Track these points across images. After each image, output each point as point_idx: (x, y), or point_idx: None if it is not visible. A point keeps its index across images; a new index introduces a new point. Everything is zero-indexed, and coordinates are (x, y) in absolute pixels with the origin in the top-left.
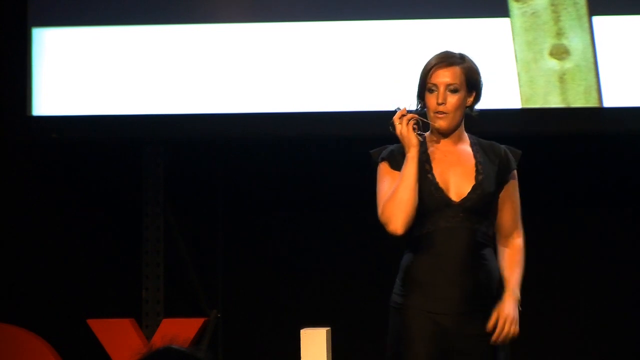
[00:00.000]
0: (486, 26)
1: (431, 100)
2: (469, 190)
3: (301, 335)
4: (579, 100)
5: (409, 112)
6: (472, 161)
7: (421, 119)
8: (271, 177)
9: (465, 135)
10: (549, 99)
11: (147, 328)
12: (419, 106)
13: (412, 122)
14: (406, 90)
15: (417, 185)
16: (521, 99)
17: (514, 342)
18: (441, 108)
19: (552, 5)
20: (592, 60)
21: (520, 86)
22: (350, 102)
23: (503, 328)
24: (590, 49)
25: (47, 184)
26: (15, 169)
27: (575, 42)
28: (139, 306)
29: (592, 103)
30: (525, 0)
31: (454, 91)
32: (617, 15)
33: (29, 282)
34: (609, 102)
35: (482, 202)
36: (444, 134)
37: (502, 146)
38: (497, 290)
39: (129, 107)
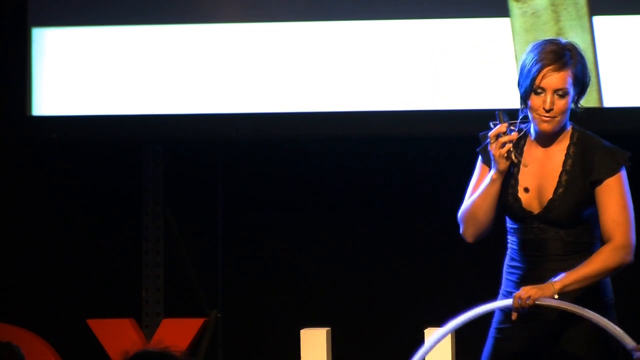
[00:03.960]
0: (486, 26)
1: (537, 102)
2: (545, 204)
3: (301, 335)
4: None
5: (509, 130)
6: (559, 170)
7: (515, 154)
8: (271, 177)
9: (568, 133)
10: None
11: (147, 328)
12: (523, 109)
13: (507, 147)
14: (407, 91)
15: (495, 203)
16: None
17: None
18: (548, 113)
19: (553, 5)
20: (592, 60)
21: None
22: (350, 102)
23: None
24: (590, 49)
25: (47, 184)
26: (15, 169)
27: (575, 42)
28: (139, 306)
29: (592, 103)
30: (525, 0)
31: (563, 95)
32: (617, 15)
33: (29, 282)
34: (609, 102)
35: (563, 214)
36: (544, 135)
37: (603, 149)
38: (589, 298)
39: (128, 107)
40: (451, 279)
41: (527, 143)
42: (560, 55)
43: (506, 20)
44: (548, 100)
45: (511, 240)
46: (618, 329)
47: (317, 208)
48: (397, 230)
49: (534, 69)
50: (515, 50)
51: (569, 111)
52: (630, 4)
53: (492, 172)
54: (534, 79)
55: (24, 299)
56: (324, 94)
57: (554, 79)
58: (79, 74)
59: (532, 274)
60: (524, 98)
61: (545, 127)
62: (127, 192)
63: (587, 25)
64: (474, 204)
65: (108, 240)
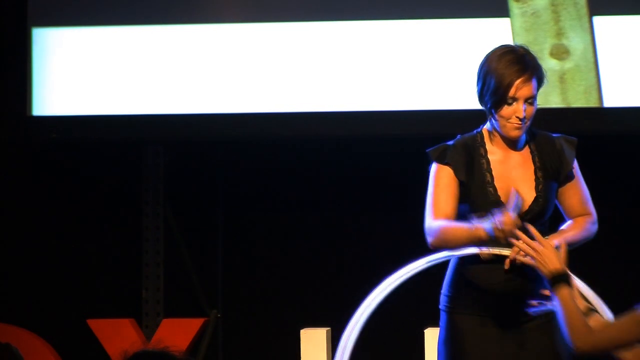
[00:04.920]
0: (486, 26)
1: (507, 111)
2: (530, 202)
3: (301, 335)
4: (579, 100)
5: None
6: (531, 167)
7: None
8: (271, 177)
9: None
10: (549, 99)
11: (147, 328)
12: (491, 115)
13: (509, 230)
14: (407, 91)
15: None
16: None
17: None
18: (521, 121)
19: (552, 5)
20: (592, 60)
21: None
22: (350, 102)
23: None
24: (590, 49)
25: (47, 184)
26: (15, 169)
27: (575, 42)
28: (139, 306)
29: (592, 103)
30: (525, 0)
31: (532, 102)
32: (617, 15)
33: (29, 282)
34: (609, 102)
35: (543, 211)
36: (507, 139)
37: (558, 139)
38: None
39: (129, 107)
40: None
41: (487, 150)
42: (525, 65)
43: (506, 20)
44: (521, 109)
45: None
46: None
47: (317, 208)
48: (398, 230)
49: (506, 82)
50: None
51: None
52: (630, 4)
53: (483, 233)
54: (506, 91)
55: (24, 299)
56: (324, 94)
57: (526, 89)
58: (79, 74)
59: (489, 283)
60: (494, 108)
61: (517, 133)
62: (127, 193)
63: (587, 25)
64: (450, 239)
65: (108, 240)
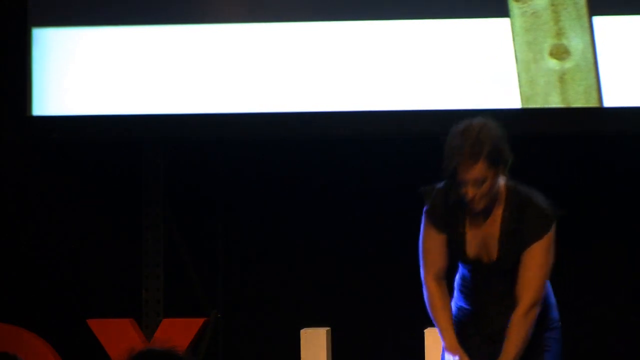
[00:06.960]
0: (486, 26)
1: (461, 189)
2: (493, 260)
3: (301, 335)
4: (579, 100)
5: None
6: (498, 231)
7: None
8: (271, 177)
9: (502, 196)
10: (549, 99)
11: (147, 328)
12: (446, 183)
13: None
14: (406, 90)
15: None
16: (521, 99)
17: None
18: (473, 199)
19: (552, 5)
20: (592, 60)
21: (520, 86)
22: (350, 102)
23: None
24: (590, 49)
25: (47, 184)
26: (15, 169)
27: (575, 42)
28: (139, 306)
29: (592, 103)
30: (525, 0)
31: (483, 182)
32: (617, 15)
33: (29, 282)
34: (609, 102)
35: (508, 270)
36: None
37: (533, 209)
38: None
39: (128, 106)
40: (451, 278)
41: (467, 210)
42: (472, 146)
43: (506, 20)
44: (469, 191)
45: (462, 275)
46: None
47: (318, 208)
48: (398, 230)
49: (451, 164)
50: (515, 50)
51: (497, 184)
52: (630, 4)
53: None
54: (453, 172)
55: (24, 299)
56: (324, 94)
57: (471, 172)
58: (79, 74)
59: (479, 298)
60: (450, 176)
61: (476, 207)
62: (127, 192)
63: (587, 25)
64: (436, 320)
65: (108, 240)
